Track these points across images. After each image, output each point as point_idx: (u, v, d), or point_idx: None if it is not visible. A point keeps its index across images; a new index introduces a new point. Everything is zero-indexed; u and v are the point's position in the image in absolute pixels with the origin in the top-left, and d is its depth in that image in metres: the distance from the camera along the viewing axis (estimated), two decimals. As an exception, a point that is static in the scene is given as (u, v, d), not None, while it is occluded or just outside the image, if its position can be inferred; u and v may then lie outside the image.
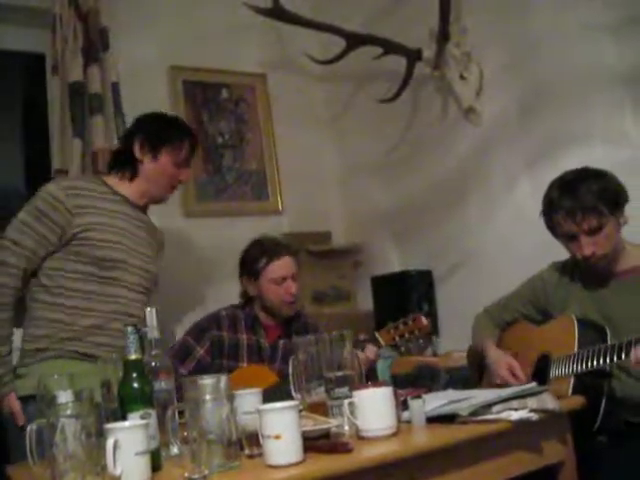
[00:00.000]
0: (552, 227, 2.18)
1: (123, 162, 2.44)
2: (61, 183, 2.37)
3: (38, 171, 3.39)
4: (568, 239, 2.14)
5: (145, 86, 3.52)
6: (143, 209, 2.50)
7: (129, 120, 3.20)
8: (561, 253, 2.27)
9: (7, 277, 2.22)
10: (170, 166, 2.42)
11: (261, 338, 2.64)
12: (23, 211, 2.29)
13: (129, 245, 2.37)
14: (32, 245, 2.24)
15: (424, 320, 2.35)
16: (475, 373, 2.55)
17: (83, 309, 2.27)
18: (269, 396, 1.72)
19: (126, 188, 2.43)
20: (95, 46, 3.20)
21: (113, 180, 2.44)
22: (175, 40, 3.64)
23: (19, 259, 2.23)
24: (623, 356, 1.89)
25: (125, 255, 2.34)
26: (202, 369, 2.47)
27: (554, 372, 2.12)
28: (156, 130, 2.43)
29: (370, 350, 2.35)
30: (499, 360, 2.29)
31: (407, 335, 2.36)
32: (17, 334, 2.30)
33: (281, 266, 2.63)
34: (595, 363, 1.97)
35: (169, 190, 2.48)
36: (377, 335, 2.38)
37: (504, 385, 2.18)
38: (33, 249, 2.24)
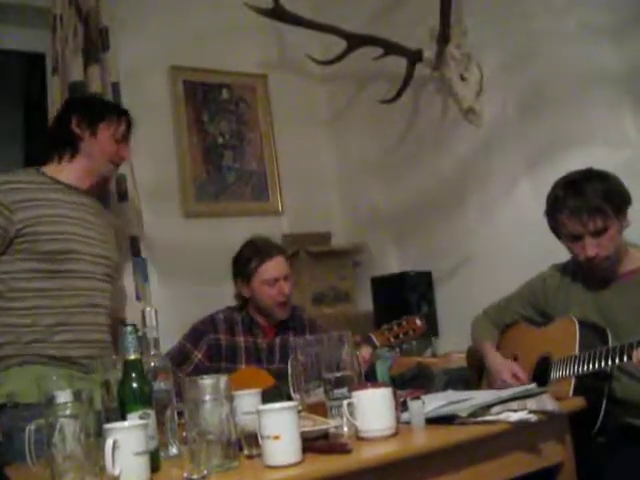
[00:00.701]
0: (556, 227, 2.18)
1: (61, 142, 2.35)
2: None
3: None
4: (572, 239, 2.13)
5: (145, 86, 3.52)
6: (88, 193, 2.39)
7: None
8: (561, 255, 2.27)
9: None
10: (110, 141, 2.36)
11: (258, 339, 2.63)
12: None
13: (79, 233, 2.26)
14: None
15: (418, 321, 2.37)
16: (475, 374, 2.55)
17: (42, 308, 2.16)
18: (265, 398, 1.71)
19: (67, 174, 2.33)
20: (95, 46, 3.20)
21: (51, 168, 2.34)
22: (175, 40, 3.64)
23: None
24: (625, 358, 1.89)
25: (76, 245, 2.23)
26: (200, 373, 2.46)
27: (555, 374, 2.12)
28: (92, 107, 2.41)
29: (365, 351, 2.35)
30: (501, 365, 2.29)
31: (401, 336, 2.37)
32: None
33: (273, 267, 2.63)
34: (597, 365, 1.96)
35: (111, 167, 2.40)
36: (372, 336, 2.39)
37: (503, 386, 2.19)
38: None
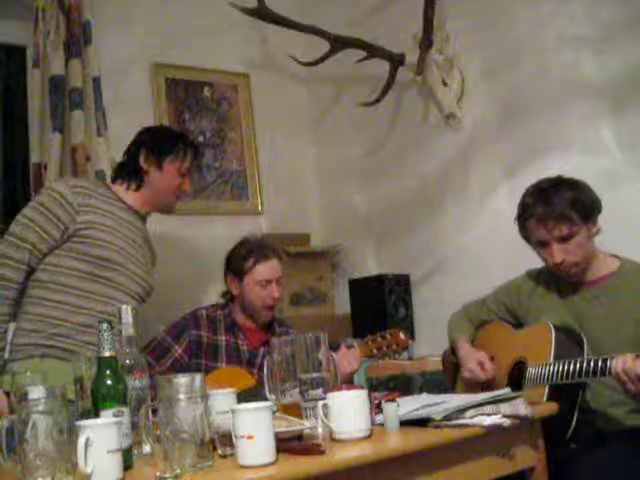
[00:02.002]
0: (525, 233, 2.21)
1: (128, 173, 2.49)
2: (68, 182, 2.44)
3: (16, 164, 3.36)
4: (540, 246, 2.17)
5: (127, 82, 3.51)
6: (143, 219, 2.54)
7: (109, 115, 3.21)
8: (536, 261, 2.29)
9: (14, 271, 2.26)
10: (175, 175, 2.48)
11: (239, 340, 2.62)
12: (28, 207, 2.33)
13: (128, 251, 2.41)
14: (35, 240, 2.27)
15: (402, 335, 2.35)
16: (449, 377, 2.56)
17: (76, 306, 2.29)
18: (243, 399, 1.71)
19: (130, 197, 2.48)
20: (77, 40, 3.18)
21: (118, 188, 2.50)
22: (158, 37, 3.62)
23: (24, 254, 2.26)
24: (599, 374, 1.90)
25: (123, 259, 2.38)
26: (179, 368, 2.45)
27: (529, 379, 2.13)
28: (160, 141, 2.51)
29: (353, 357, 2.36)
30: (469, 354, 2.32)
31: (384, 349, 2.36)
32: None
33: (268, 269, 2.62)
34: (571, 376, 1.97)
35: (173, 200, 2.53)
36: (355, 346, 2.39)
37: (476, 389, 2.20)
38: (36, 244, 2.27)
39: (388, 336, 2.36)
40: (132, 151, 2.52)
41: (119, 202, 2.45)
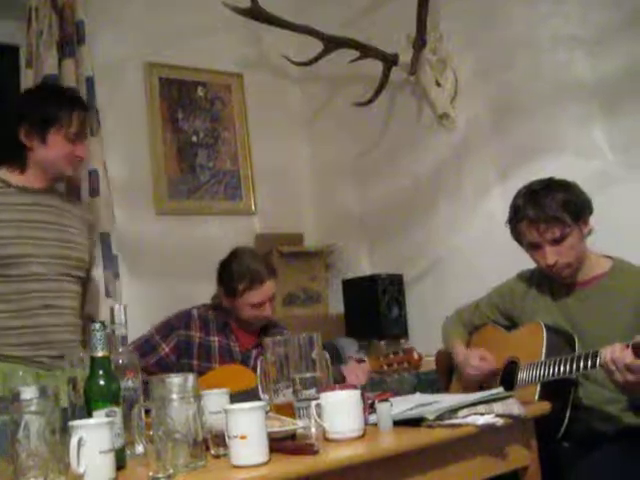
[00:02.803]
0: (516, 236, 2.21)
1: (9, 151, 2.25)
2: None
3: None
4: (532, 248, 2.17)
5: (120, 82, 3.50)
6: (47, 192, 2.30)
7: (103, 115, 3.20)
8: (529, 262, 2.29)
9: None
10: (63, 144, 2.23)
11: (231, 342, 2.61)
12: None
13: (40, 235, 2.21)
14: None
15: (416, 355, 2.28)
16: (444, 377, 2.56)
17: (1, 312, 2.14)
18: (245, 398, 1.70)
19: (20, 179, 2.25)
20: (70, 40, 3.17)
21: (5, 173, 2.25)
22: (152, 36, 3.62)
23: None
24: (590, 366, 1.92)
25: (30, 248, 2.18)
26: (165, 367, 2.43)
27: (521, 378, 2.14)
28: (40, 109, 2.23)
29: (365, 366, 2.34)
30: (469, 355, 2.32)
31: (395, 366, 2.31)
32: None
33: (261, 294, 2.54)
34: (562, 372, 1.99)
35: (68, 169, 2.29)
36: (366, 360, 2.37)
37: (473, 389, 2.21)
38: None
39: (401, 353, 2.32)
40: (10, 128, 2.23)
41: (11, 188, 2.22)
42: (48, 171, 2.26)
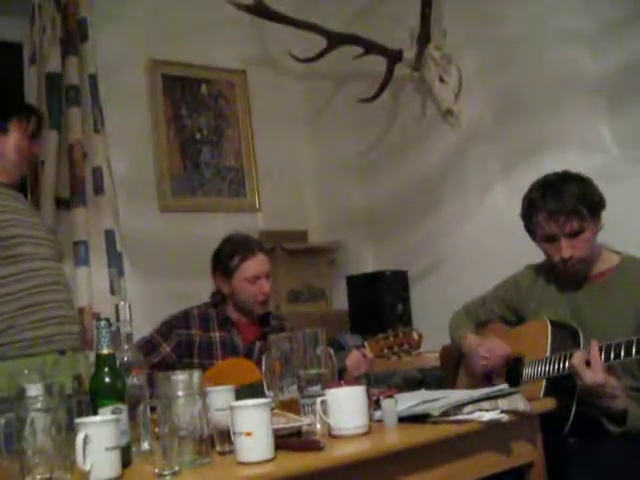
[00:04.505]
0: (532, 228, 2.20)
1: None
2: None
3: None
4: (548, 241, 2.15)
5: (123, 79, 3.50)
6: (14, 187, 2.39)
7: (106, 112, 3.20)
8: (535, 256, 2.29)
9: None
10: (22, 137, 2.33)
11: (235, 336, 2.62)
12: None
13: (24, 220, 2.29)
14: None
15: (415, 335, 2.30)
16: (448, 373, 2.56)
17: (4, 295, 2.18)
18: (250, 391, 1.71)
19: None
20: (74, 37, 3.17)
21: None
22: (155, 34, 3.62)
23: None
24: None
25: (27, 230, 2.27)
26: (167, 367, 2.44)
27: (526, 374, 2.14)
28: (2, 102, 2.37)
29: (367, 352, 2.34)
30: (480, 342, 2.32)
31: (395, 348, 2.32)
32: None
33: (255, 264, 2.60)
34: (566, 367, 1.99)
35: (23, 166, 2.38)
36: (366, 344, 2.37)
37: (479, 384, 2.21)
38: None
39: (401, 334, 2.33)
40: None
41: None
42: (7, 164, 2.32)
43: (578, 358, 1.94)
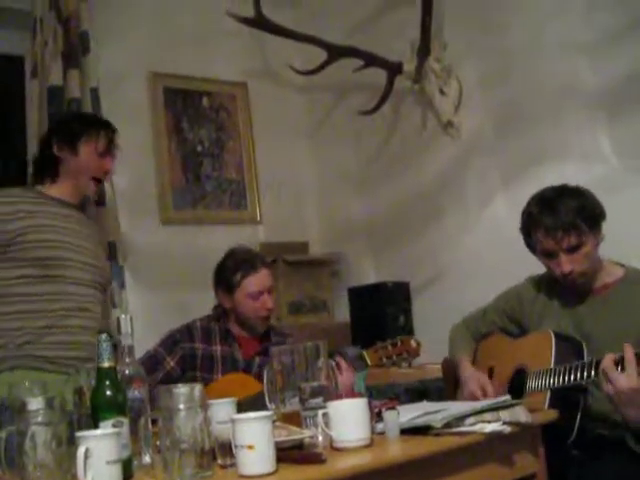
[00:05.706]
0: (531, 243, 2.19)
1: (43, 168, 2.45)
2: None
3: (14, 176, 3.35)
4: (547, 256, 2.14)
5: (125, 92, 3.51)
6: (78, 208, 2.50)
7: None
8: (536, 268, 2.29)
9: None
10: (92, 156, 2.41)
11: (235, 351, 2.61)
12: None
13: (75, 243, 2.37)
14: None
15: (413, 343, 2.30)
16: (450, 385, 2.55)
17: (31, 312, 2.26)
18: (251, 403, 1.70)
19: (55, 191, 2.42)
20: (75, 50, 3.18)
21: (42, 187, 2.44)
22: (156, 47, 3.63)
23: None
24: (593, 375, 1.91)
25: (69, 253, 2.34)
26: (171, 381, 2.43)
27: (530, 386, 2.13)
28: (71, 125, 2.46)
29: (347, 377, 2.32)
30: (470, 377, 2.30)
31: (394, 358, 2.32)
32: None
33: (257, 280, 2.58)
34: (571, 379, 1.98)
35: (88, 186, 2.45)
36: (364, 354, 2.36)
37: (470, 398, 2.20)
38: None
39: (399, 343, 2.32)
40: (44, 145, 2.46)
41: (49, 199, 2.40)
42: (78, 183, 2.42)
43: (609, 362, 1.88)
